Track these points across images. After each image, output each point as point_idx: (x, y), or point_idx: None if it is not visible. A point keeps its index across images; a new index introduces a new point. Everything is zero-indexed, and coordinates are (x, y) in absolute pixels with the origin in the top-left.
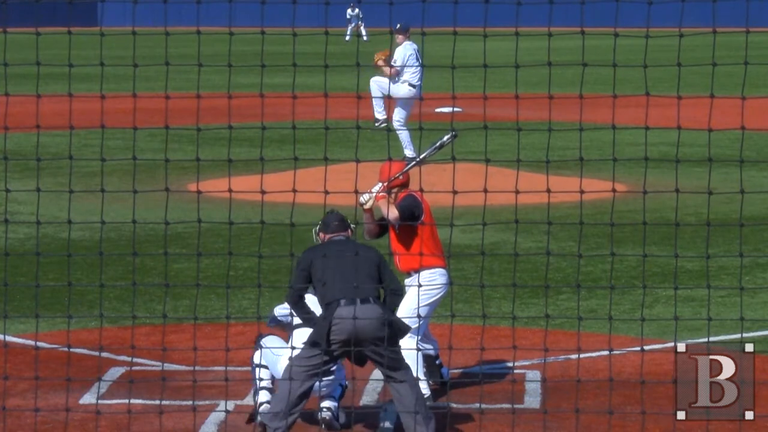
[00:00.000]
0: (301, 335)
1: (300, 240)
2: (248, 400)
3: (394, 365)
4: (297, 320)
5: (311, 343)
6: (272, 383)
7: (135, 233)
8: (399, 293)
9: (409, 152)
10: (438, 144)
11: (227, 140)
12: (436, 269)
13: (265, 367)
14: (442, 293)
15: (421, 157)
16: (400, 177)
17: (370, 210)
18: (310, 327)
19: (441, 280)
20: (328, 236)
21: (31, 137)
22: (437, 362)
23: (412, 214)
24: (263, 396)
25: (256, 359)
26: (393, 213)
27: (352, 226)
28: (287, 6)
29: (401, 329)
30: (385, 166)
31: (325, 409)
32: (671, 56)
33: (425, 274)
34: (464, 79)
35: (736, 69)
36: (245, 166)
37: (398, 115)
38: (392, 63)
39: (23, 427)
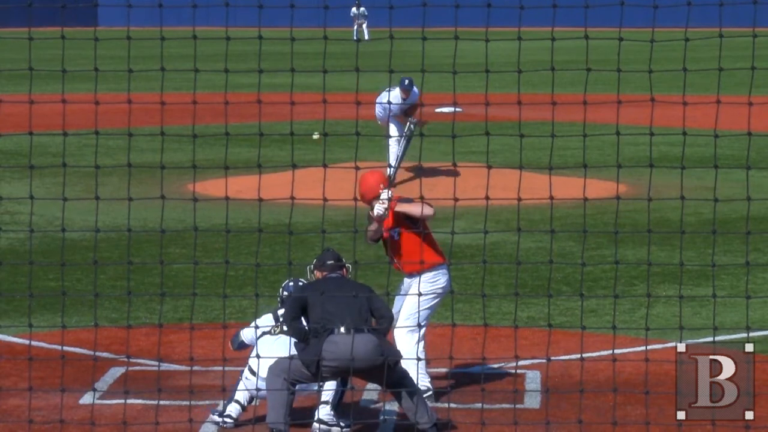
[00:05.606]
0: (266, 344)
1: (300, 241)
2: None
3: (395, 384)
4: (264, 330)
5: (302, 363)
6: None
7: (130, 239)
8: (390, 320)
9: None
10: (406, 136)
11: (227, 141)
12: (438, 269)
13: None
14: (443, 294)
15: (399, 158)
16: (391, 196)
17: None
18: (301, 345)
19: (443, 280)
20: (323, 274)
21: (31, 137)
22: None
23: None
24: (232, 408)
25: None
26: (428, 209)
27: (347, 265)
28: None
29: (397, 356)
30: (367, 178)
31: (320, 421)
32: (674, 55)
33: (428, 275)
34: (465, 79)
35: (739, 69)
36: (245, 165)
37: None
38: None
39: (23, 427)
